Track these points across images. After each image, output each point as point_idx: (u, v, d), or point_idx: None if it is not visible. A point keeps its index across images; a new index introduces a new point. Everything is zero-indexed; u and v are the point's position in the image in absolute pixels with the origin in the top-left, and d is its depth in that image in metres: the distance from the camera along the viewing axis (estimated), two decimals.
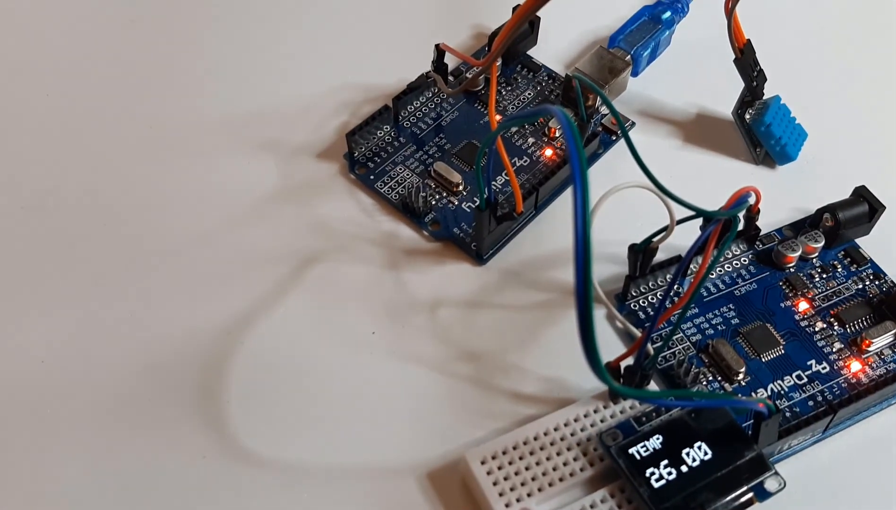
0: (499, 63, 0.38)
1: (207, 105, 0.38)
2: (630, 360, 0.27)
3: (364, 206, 0.35)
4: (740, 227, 0.32)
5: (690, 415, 0.27)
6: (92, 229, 0.34)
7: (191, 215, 0.35)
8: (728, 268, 0.33)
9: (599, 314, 0.32)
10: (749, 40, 0.35)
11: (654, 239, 0.30)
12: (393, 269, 0.33)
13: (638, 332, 0.30)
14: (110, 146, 0.37)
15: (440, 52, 0.36)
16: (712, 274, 0.32)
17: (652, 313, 0.31)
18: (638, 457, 0.26)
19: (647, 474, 0.25)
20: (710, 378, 0.30)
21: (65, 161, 0.36)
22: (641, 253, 0.30)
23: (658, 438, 0.26)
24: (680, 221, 0.29)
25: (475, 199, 0.35)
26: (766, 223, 0.33)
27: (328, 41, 0.41)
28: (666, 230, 0.30)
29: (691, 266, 0.32)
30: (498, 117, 0.37)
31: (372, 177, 0.36)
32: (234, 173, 0.36)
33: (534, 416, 0.29)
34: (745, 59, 0.35)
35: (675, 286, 0.32)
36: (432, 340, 0.31)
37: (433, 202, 0.35)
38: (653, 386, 0.29)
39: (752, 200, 0.28)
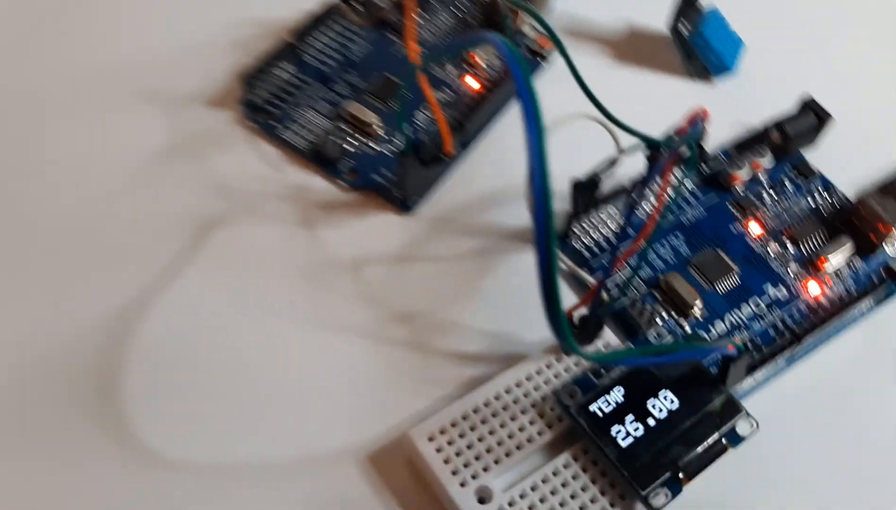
0: None
1: (74, 55, 0.33)
2: (583, 309, 0.25)
3: (268, 158, 0.31)
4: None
5: None
6: None
7: (67, 185, 0.30)
8: (672, 194, 0.30)
9: None
10: None
11: (599, 172, 0.27)
12: (308, 227, 0.30)
13: (589, 278, 0.27)
14: None
15: None
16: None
17: (597, 251, 0.29)
18: (600, 414, 0.23)
19: (613, 433, 0.23)
20: (665, 316, 0.27)
21: None
22: (586, 188, 0.27)
23: (619, 390, 0.24)
24: (624, 151, 0.27)
25: (395, 140, 0.31)
26: (707, 142, 0.31)
27: None
28: (612, 162, 0.27)
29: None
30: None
31: (274, 123, 0.31)
32: (113, 132, 0.31)
33: (480, 378, 0.26)
34: None
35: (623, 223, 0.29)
36: (359, 304, 0.28)
37: (348, 148, 0.31)
38: (605, 332, 0.26)
39: (704, 123, 0.25)
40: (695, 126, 0.24)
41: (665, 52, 0.35)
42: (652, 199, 0.29)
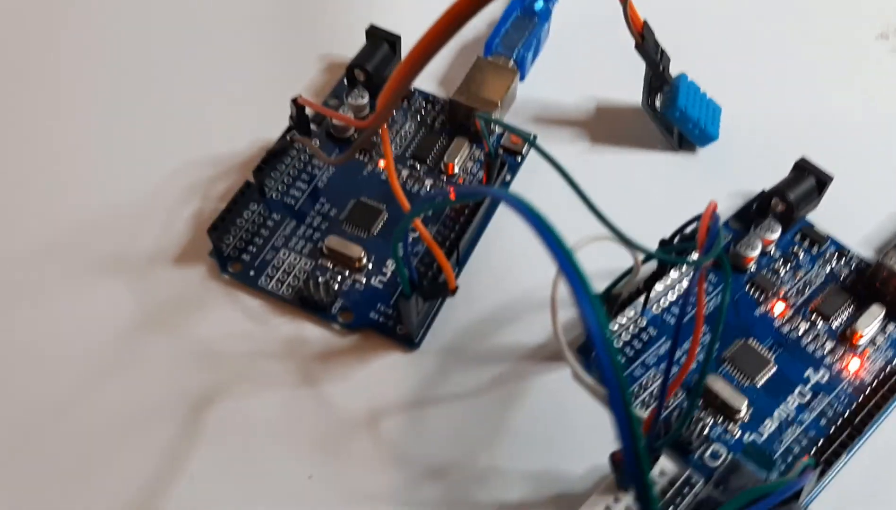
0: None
1: (10, 231, 0.30)
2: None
3: (251, 312, 0.28)
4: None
5: (718, 488, 0.23)
6: None
7: (30, 381, 0.27)
8: (686, 284, 0.29)
9: (562, 375, 0.27)
10: (645, 21, 0.30)
11: (619, 285, 0.25)
12: (309, 385, 0.27)
13: (639, 412, 0.25)
14: None
15: (299, 107, 0.29)
16: (672, 295, 0.28)
17: (623, 360, 0.27)
18: None
19: None
20: (712, 422, 0.26)
21: None
22: (605, 303, 0.25)
23: None
24: (645, 259, 0.25)
25: (384, 269, 0.29)
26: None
27: (148, 114, 0.33)
28: (630, 272, 0.25)
29: (656, 295, 0.28)
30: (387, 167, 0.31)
31: (252, 272, 0.29)
32: (76, 311, 0.28)
33: None
34: (647, 42, 0.30)
35: (640, 322, 0.28)
36: (384, 466, 0.25)
37: (336, 287, 0.28)
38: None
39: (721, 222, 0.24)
40: (713, 233, 0.23)
41: (642, 127, 0.33)
42: (668, 297, 0.28)
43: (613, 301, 0.26)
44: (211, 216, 0.30)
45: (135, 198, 0.31)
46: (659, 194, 0.32)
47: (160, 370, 0.27)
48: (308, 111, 0.30)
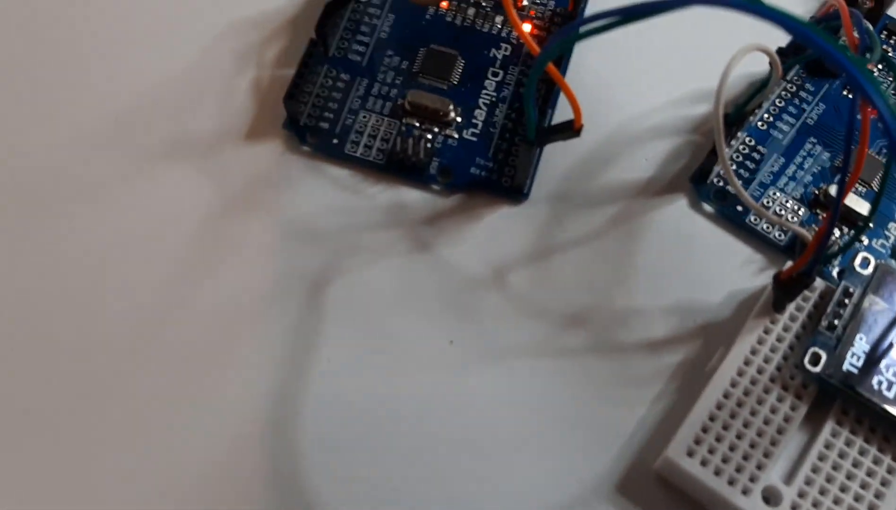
0: None
1: (55, 123, 0.27)
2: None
3: (342, 183, 0.27)
4: None
5: (878, 294, 0.23)
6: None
7: (122, 285, 0.25)
8: (785, 95, 0.28)
9: (679, 206, 0.27)
10: None
11: (754, 99, 0.24)
12: (424, 251, 0.26)
13: (802, 231, 0.24)
14: None
15: None
16: (774, 109, 0.27)
17: (748, 182, 0.26)
18: (855, 371, 0.22)
19: (875, 385, 0.21)
20: (839, 233, 0.25)
21: None
22: (736, 123, 0.24)
23: (861, 339, 0.22)
24: (793, 63, 0.24)
25: (474, 120, 0.27)
26: None
27: None
28: (768, 83, 0.24)
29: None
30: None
31: (335, 141, 0.27)
32: (149, 204, 0.26)
33: (686, 362, 0.24)
34: None
35: (748, 141, 0.27)
36: (521, 320, 0.25)
37: (428, 145, 0.26)
38: None
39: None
40: (864, 29, 0.21)
41: None
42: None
43: (744, 120, 0.24)
44: (272, 84, 0.27)
45: (183, 72, 0.27)
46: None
47: (262, 254, 0.25)
48: None
